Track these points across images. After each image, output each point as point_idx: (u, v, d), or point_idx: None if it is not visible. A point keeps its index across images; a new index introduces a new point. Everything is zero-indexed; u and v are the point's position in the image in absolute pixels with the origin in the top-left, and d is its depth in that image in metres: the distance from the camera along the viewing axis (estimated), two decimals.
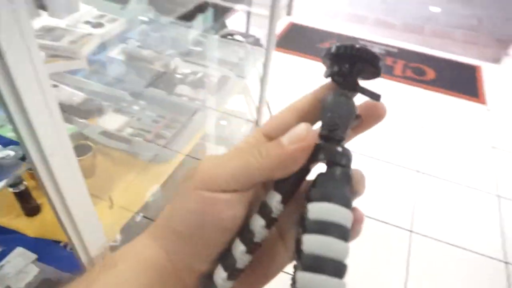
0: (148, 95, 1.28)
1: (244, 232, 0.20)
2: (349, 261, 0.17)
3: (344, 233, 0.17)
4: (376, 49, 2.58)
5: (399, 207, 1.67)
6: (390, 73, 2.47)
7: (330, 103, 0.19)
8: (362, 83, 0.20)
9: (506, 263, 1.49)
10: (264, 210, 0.19)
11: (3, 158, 0.81)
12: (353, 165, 0.19)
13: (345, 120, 0.19)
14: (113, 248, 1.20)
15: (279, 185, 0.20)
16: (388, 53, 2.67)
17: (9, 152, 0.83)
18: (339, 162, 0.18)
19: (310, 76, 2.41)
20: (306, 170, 0.20)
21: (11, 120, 0.40)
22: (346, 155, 0.19)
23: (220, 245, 0.20)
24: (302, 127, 0.19)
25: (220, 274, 0.20)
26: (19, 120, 0.41)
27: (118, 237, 1.20)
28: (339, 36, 2.75)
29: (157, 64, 1.12)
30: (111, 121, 1.17)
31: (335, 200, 0.17)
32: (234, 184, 0.19)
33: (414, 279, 1.40)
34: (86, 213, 0.60)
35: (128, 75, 1.33)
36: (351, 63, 0.18)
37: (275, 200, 0.19)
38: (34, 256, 0.91)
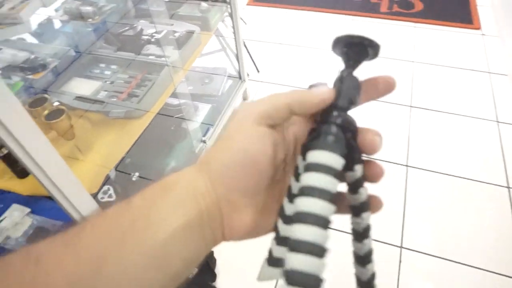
0: (118, 59, 1.35)
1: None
2: None
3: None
4: None
5: (395, 144, 1.66)
6: (376, 11, 2.40)
7: (346, 82, 0.24)
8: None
9: (509, 188, 1.47)
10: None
11: None
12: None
13: (359, 92, 0.24)
14: (106, 204, 1.31)
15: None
16: None
17: None
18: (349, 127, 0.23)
19: (290, 26, 2.40)
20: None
21: None
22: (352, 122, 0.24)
23: (253, 179, 0.23)
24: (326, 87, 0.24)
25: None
26: None
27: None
28: None
29: (97, 18, 1.18)
30: (85, 87, 1.26)
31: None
32: (266, 118, 0.23)
33: (412, 213, 1.43)
34: (61, 173, 0.67)
35: (97, 43, 1.40)
36: (363, 51, 0.24)
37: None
38: (27, 209, 1.03)
